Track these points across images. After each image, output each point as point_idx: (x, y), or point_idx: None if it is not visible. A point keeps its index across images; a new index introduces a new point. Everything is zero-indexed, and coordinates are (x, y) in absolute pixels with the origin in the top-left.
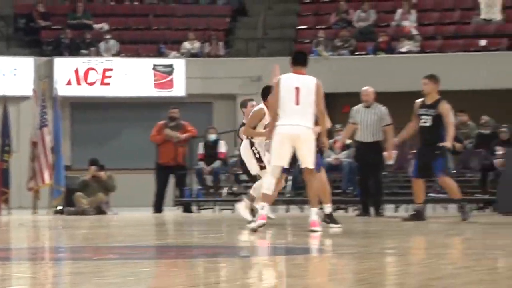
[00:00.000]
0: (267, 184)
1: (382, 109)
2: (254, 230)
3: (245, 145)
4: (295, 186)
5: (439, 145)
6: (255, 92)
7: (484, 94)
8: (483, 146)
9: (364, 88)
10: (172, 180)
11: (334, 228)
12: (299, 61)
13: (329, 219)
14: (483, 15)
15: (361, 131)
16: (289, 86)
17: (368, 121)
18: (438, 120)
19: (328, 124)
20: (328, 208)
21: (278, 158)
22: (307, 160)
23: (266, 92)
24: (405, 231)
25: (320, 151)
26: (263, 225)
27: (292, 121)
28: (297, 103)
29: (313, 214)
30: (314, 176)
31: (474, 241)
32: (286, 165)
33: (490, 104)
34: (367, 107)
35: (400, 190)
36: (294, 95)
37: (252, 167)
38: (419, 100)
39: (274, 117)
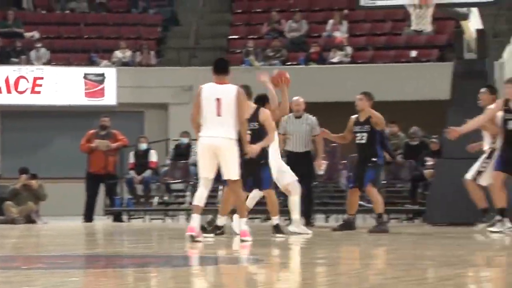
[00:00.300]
0: (198, 195)
1: (313, 119)
2: (195, 241)
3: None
4: None
5: (372, 159)
6: (187, 101)
7: (415, 105)
8: (411, 157)
9: (295, 98)
10: (102, 189)
11: (279, 238)
12: (220, 69)
13: (276, 230)
14: (413, 27)
15: (292, 141)
16: (210, 96)
17: (299, 131)
18: (373, 135)
19: (271, 139)
20: (275, 220)
21: (203, 170)
22: (230, 172)
23: (263, 99)
24: (335, 241)
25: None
26: (192, 237)
27: (214, 132)
28: (219, 114)
29: (243, 224)
30: (240, 187)
31: (403, 252)
32: (212, 176)
33: (421, 115)
34: (298, 117)
35: (330, 200)
36: (215, 106)
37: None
38: (353, 117)
39: (196, 127)
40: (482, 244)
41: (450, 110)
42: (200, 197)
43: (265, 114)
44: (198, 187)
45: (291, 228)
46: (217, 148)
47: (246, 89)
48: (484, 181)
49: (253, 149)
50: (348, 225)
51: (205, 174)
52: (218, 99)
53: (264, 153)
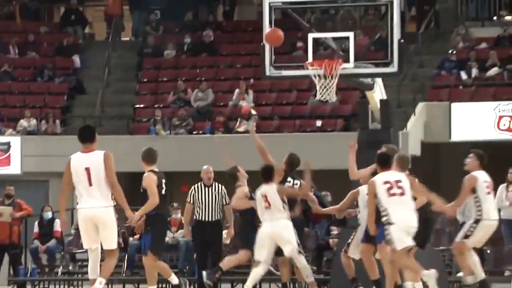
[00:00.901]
0: (90, 268)
1: (222, 188)
2: None
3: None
4: (131, 265)
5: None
6: None
7: (320, 174)
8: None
9: (205, 167)
10: (6, 259)
11: None
12: (86, 138)
13: None
14: (318, 97)
15: (201, 210)
16: (79, 167)
17: (209, 200)
18: None
19: (151, 205)
20: None
21: (86, 242)
22: (108, 242)
23: (269, 172)
24: None
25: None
26: None
27: (89, 203)
28: (90, 184)
29: None
30: (114, 257)
31: None
32: (96, 246)
33: (327, 184)
34: (208, 186)
35: (236, 269)
36: (85, 176)
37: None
38: None
39: (64, 201)
40: None
41: (354, 180)
42: (92, 270)
43: (146, 179)
44: (89, 260)
45: None
46: (95, 218)
47: (151, 153)
48: (352, 253)
49: (134, 218)
50: None
51: (89, 245)
52: (87, 169)
53: (147, 219)
